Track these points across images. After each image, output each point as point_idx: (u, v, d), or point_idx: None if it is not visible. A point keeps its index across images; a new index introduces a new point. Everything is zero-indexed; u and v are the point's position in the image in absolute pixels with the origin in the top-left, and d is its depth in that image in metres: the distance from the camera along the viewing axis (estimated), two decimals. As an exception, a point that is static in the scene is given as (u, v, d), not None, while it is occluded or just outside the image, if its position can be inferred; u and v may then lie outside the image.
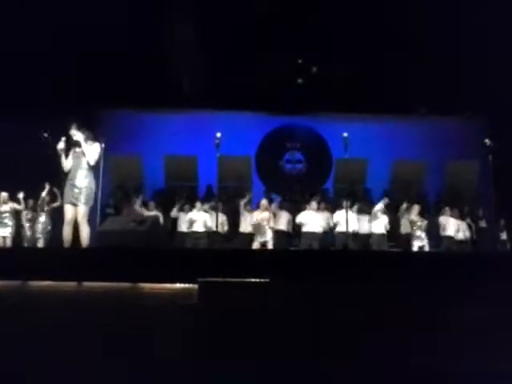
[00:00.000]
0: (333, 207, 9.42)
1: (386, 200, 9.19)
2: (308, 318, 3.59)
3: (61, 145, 5.85)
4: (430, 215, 9.47)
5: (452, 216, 9.32)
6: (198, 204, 9.32)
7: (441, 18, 8.85)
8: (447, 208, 9.34)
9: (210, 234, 9.08)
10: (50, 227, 9.11)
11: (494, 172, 7.59)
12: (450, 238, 9.22)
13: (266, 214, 8.61)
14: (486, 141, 7.63)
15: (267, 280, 3.83)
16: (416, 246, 8.77)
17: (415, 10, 8.89)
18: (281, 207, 9.63)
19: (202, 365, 3.42)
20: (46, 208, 9.11)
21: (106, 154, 6.59)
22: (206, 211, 9.32)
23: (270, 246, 8.47)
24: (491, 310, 3.61)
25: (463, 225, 9.45)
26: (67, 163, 5.91)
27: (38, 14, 8.78)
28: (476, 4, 8.48)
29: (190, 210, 9.33)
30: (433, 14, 8.83)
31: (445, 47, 9.55)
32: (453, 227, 9.27)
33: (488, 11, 8.51)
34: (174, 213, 9.60)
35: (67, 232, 5.82)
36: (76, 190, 5.82)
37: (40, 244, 8.94)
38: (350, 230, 8.61)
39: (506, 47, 9.04)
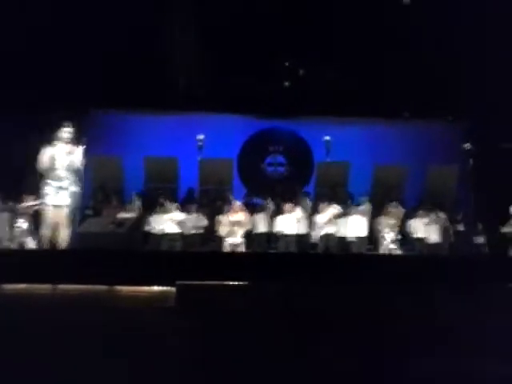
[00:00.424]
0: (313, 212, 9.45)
1: (365, 203, 9.28)
2: (287, 320, 3.59)
3: (45, 144, 5.79)
4: (409, 219, 9.55)
5: (427, 219, 9.43)
6: (175, 206, 9.27)
7: (423, 22, 8.94)
8: (420, 211, 9.44)
9: (185, 237, 9.04)
10: (29, 228, 8.94)
11: (473, 176, 7.70)
12: (421, 240, 9.31)
13: (240, 216, 8.62)
14: (466, 146, 7.74)
15: (246, 283, 3.82)
16: (390, 248, 8.88)
17: (398, 14, 8.97)
18: (261, 210, 9.63)
19: (181, 368, 3.40)
20: (26, 209, 8.94)
21: (86, 154, 6.51)
22: (183, 213, 9.28)
23: (241, 248, 8.48)
24: (466, 311, 3.65)
25: (438, 228, 9.54)
26: (47, 163, 5.83)
27: (22, 12, 8.66)
28: (457, 9, 8.59)
29: (167, 211, 9.27)
30: (416, 18, 8.92)
31: (427, 52, 9.65)
32: (426, 230, 9.37)
33: (470, 17, 8.63)
34: (152, 214, 9.51)
35: (48, 234, 5.74)
36: (62, 192, 5.75)
37: (19, 245, 8.78)
38: (331, 232, 8.68)
39: (487, 52, 9.18)
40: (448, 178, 10.64)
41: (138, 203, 9.61)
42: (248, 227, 8.85)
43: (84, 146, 6.25)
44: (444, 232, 9.46)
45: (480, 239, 9.60)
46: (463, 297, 3.97)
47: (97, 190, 10.36)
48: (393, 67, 10.12)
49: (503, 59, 9.14)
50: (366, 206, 9.34)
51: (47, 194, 5.82)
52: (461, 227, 9.94)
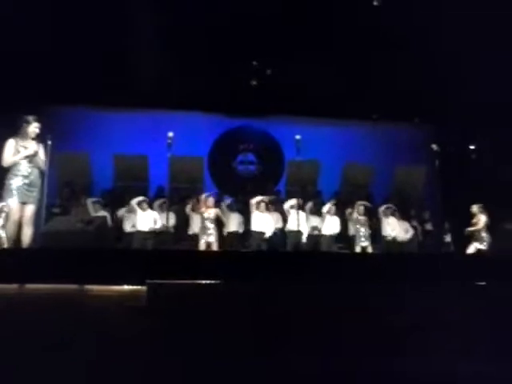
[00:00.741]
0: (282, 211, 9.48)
1: (334, 202, 9.38)
2: (259, 319, 3.58)
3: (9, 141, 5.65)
4: (377, 217, 9.69)
5: (395, 218, 9.58)
6: (146, 204, 9.18)
7: (394, 24, 9.06)
8: (389, 210, 9.59)
9: (158, 235, 8.96)
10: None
11: (440, 177, 7.85)
12: (392, 239, 9.45)
13: (213, 213, 8.61)
14: (433, 146, 7.89)
15: (218, 281, 3.79)
16: (359, 246, 9.00)
17: (369, 14, 9.07)
18: (232, 208, 9.62)
19: (152, 368, 3.35)
20: None
21: (52, 151, 6.38)
22: (154, 211, 9.21)
23: (214, 247, 8.47)
24: (434, 308, 3.71)
25: (406, 227, 9.71)
26: (12, 159, 5.70)
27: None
28: (426, 12, 8.74)
29: (138, 209, 9.17)
30: (386, 20, 9.03)
31: (396, 55, 9.79)
32: (395, 229, 9.52)
33: (438, 20, 8.78)
34: (121, 212, 9.40)
35: (13, 232, 5.61)
36: (30, 189, 5.63)
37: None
38: (301, 231, 8.73)
39: (454, 54, 9.37)
40: (415, 178, 10.83)
41: (106, 201, 9.47)
42: (221, 225, 8.82)
43: (49, 142, 6.13)
44: (412, 231, 9.63)
45: (447, 238, 9.83)
46: (431, 294, 4.04)
47: (63, 188, 10.15)
48: (363, 69, 10.25)
49: (470, 63, 9.35)
50: (334, 204, 9.44)
51: (11, 191, 5.68)
52: (429, 226, 10.15)
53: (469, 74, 9.67)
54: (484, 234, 8.43)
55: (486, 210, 8.79)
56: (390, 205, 9.53)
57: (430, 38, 9.23)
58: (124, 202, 9.51)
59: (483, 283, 4.76)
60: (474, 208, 8.61)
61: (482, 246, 8.34)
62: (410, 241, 9.50)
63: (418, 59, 9.83)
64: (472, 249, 8.42)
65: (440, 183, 8.05)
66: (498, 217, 8.75)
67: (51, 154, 6.28)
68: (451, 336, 3.50)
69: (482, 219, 8.48)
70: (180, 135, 9.13)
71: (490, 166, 10.74)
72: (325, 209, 9.30)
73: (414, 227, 9.71)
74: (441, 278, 4.63)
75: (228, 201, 9.83)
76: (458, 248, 9.58)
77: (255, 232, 9.05)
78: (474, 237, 8.47)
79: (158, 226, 9.03)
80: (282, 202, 9.67)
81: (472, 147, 11.29)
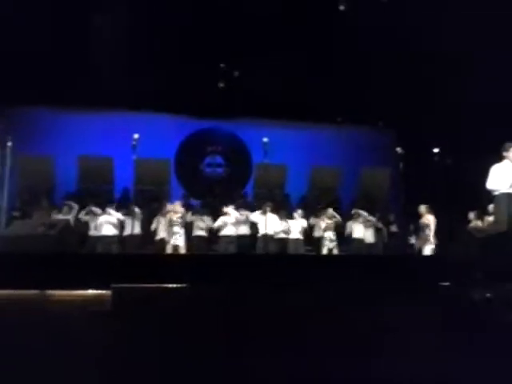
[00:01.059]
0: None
1: (301, 206, 9.45)
2: (225, 322, 3.55)
3: None
4: (344, 220, 9.78)
5: (362, 220, 9.69)
6: (111, 207, 9.03)
7: (358, 28, 9.18)
8: (356, 212, 9.69)
9: (122, 239, 8.83)
10: None
11: (404, 179, 7.98)
12: (359, 241, 9.56)
13: (180, 216, 8.54)
14: (398, 149, 8.01)
15: (184, 285, 3.75)
16: (326, 248, 9.07)
17: (334, 19, 9.17)
18: (200, 211, 9.55)
19: (117, 374, 3.28)
20: None
21: (13, 153, 6.21)
22: (119, 214, 9.06)
23: (182, 250, 8.40)
24: (398, 310, 3.75)
25: (372, 229, 9.83)
26: None
27: None
28: (389, 18, 8.89)
29: (102, 213, 9.01)
30: (351, 24, 9.15)
31: (360, 59, 9.93)
32: (361, 231, 9.63)
33: (402, 25, 8.94)
34: (82, 215, 9.20)
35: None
36: None
37: None
38: (269, 234, 8.73)
39: (417, 58, 9.56)
40: (381, 180, 10.97)
41: (70, 204, 9.27)
42: (188, 228, 8.75)
43: (9, 144, 5.97)
44: (378, 233, 9.76)
45: (412, 239, 10.00)
46: (397, 295, 4.08)
47: (23, 191, 9.89)
48: (328, 73, 10.36)
49: (432, 66, 9.56)
50: (302, 208, 9.50)
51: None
52: (394, 228, 10.31)
53: (433, 78, 9.88)
54: (431, 234, 8.51)
55: (448, 211, 8.97)
56: (356, 207, 9.62)
57: (394, 43, 9.40)
58: (89, 204, 9.32)
59: (446, 284, 4.86)
60: (422, 208, 8.70)
61: (430, 246, 8.42)
62: (376, 243, 9.62)
63: (381, 64, 9.99)
64: (422, 247, 8.51)
65: (404, 185, 8.18)
66: (458, 218, 8.92)
67: (12, 157, 6.12)
68: (414, 337, 3.54)
69: (429, 219, 8.57)
70: (146, 137, 9.05)
71: (451, 168, 10.99)
72: (294, 213, 9.34)
73: (379, 229, 9.84)
74: (406, 278, 4.69)
75: (195, 204, 9.78)
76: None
77: (223, 235, 9.00)
78: (420, 236, 8.54)
79: (124, 229, 8.89)
80: (250, 204, 9.66)
81: (434, 150, 11.52)
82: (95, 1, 8.90)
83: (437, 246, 8.46)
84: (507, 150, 6.44)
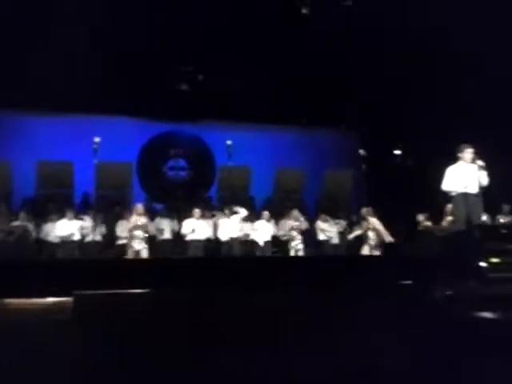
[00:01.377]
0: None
1: (267, 208, 9.45)
2: (189, 326, 3.50)
3: None
4: (309, 221, 9.84)
5: (326, 221, 9.77)
6: (71, 212, 8.84)
7: (321, 32, 9.27)
8: (322, 214, 9.77)
9: (83, 244, 8.66)
10: None
11: (366, 180, 8.08)
12: (325, 242, 9.64)
13: (143, 220, 8.42)
14: (360, 151, 8.11)
15: (148, 290, 3.69)
16: (293, 250, 9.09)
17: (298, 23, 9.23)
18: (163, 215, 9.44)
19: (80, 382, 3.19)
20: None
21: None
22: (79, 219, 8.87)
23: (144, 255, 8.27)
24: (362, 308, 3.79)
25: (336, 230, 9.92)
26: None
27: None
28: (353, 21, 9.02)
29: (62, 218, 8.80)
30: (314, 28, 9.23)
31: (323, 62, 10.03)
32: (326, 232, 9.71)
33: (365, 27, 9.08)
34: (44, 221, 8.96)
35: None
36: None
37: None
38: (235, 236, 8.71)
39: (377, 62, 9.72)
40: (344, 182, 11.09)
41: (27, 210, 9.00)
42: (151, 232, 8.62)
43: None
44: (342, 233, 9.85)
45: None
46: (362, 294, 4.13)
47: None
48: (293, 76, 10.43)
49: (394, 70, 9.74)
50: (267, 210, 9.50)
51: None
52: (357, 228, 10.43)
53: (394, 83, 10.07)
54: (373, 236, 8.61)
55: (407, 211, 9.15)
56: (321, 208, 9.68)
57: (355, 46, 9.53)
58: (48, 210, 9.09)
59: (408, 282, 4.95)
60: (363, 211, 8.82)
61: (372, 247, 8.51)
62: (340, 243, 9.70)
63: (343, 66, 10.12)
64: (365, 250, 8.60)
65: (367, 187, 8.29)
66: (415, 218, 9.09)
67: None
68: (376, 335, 3.57)
69: (370, 221, 8.67)
70: (107, 140, 8.90)
71: (414, 170, 11.24)
72: (260, 215, 9.33)
73: (343, 230, 9.93)
74: (369, 277, 4.76)
75: (158, 208, 9.67)
76: (384, 249, 9.93)
77: (187, 239, 8.92)
78: (363, 238, 8.63)
79: (85, 234, 8.69)
80: (214, 208, 9.61)
81: (396, 152, 11.76)
82: (54, 1, 8.70)
83: (397, 245, 8.60)
84: (462, 152, 6.61)
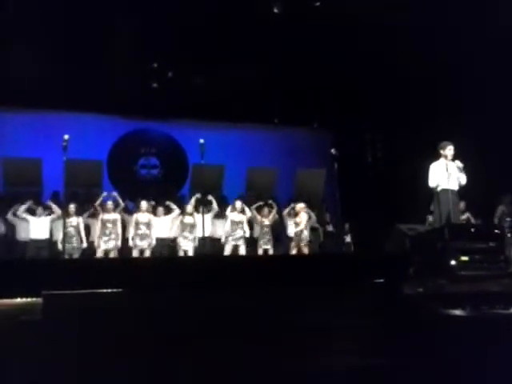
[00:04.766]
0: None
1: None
2: (160, 327, 3.47)
3: None
4: (281, 219, 9.87)
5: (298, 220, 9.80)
6: (40, 210, 8.66)
7: (293, 32, 9.31)
8: (292, 212, 9.80)
9: (53, 243, 8.49)
10: None
11: (338, 179, 8.15)
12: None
13: (114, 216, 8.36)
14: (332, 150, 8.17)
15: (119, 290, 3.64)
16: (262, 248, 9.09)
17: (270, 21, 9.25)
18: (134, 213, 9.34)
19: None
20: None
21: None
22: (48, 217, 8.71)
23: (113, 254, 8.19)
24: (335, 308, 3.81)
25: (308, 228, 9.95)
26: None
27: None
28: (327, 20, 9.07)
29: (31, 215, 8.63)
30: (286, 27, 9.26)
31: (296, 61, 10.08)
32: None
33: (339, 28, 9.15)
34: (9, 216, 8.75)
35: None
36: None
37: None
38: (206, 234, 8.68)
39: (349, 60, 9.81)
40: (316, 180, 11.14)
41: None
42: (121, 229, 8.56)
43: None
44: (314, 232, 9.90)
45: (347, 238, 10.24)
46: (333, 293, 4.15)
47: None
48: (267, 75, 10.45)
49: (366, 68, 9.84)
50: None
51: None
52: (329, 227, 10.52)
53: (367, 82, 10.18)
54: (306, 233, 8.70)
55: (381, 210, 9.26)
56: (292, 205, 9.67)
57: (328, 44, 9.59)
58: (14, 208, 8.88)
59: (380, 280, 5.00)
60: (297, 207, 8.92)
61: (304, 245, 8.61)
62: (313, 242, 9.74)
63: (316, 65, 10.18)
64: (293, 249, 8.70)
65: (339, 185, 8.34)
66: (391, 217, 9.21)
67: None
68: (349, 333, 3.60)
69: (303, 218, 8.76)
70: (77, 137, 8.75)
71: (387, 169, 11.40)
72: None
73: (315, 228, 9.99)
74: (344, 277, 4.79)
75: (128, 206, 9.57)
76: (358, 248, 10.06)
77: (158, 238, 8.85)
78: (297, 236, 8.72)
79: (56, 232, 8.55)
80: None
81: (369, 150, 11.91)
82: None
83: (371, 244, 8.72)
84: (443, 149, 6.75)
